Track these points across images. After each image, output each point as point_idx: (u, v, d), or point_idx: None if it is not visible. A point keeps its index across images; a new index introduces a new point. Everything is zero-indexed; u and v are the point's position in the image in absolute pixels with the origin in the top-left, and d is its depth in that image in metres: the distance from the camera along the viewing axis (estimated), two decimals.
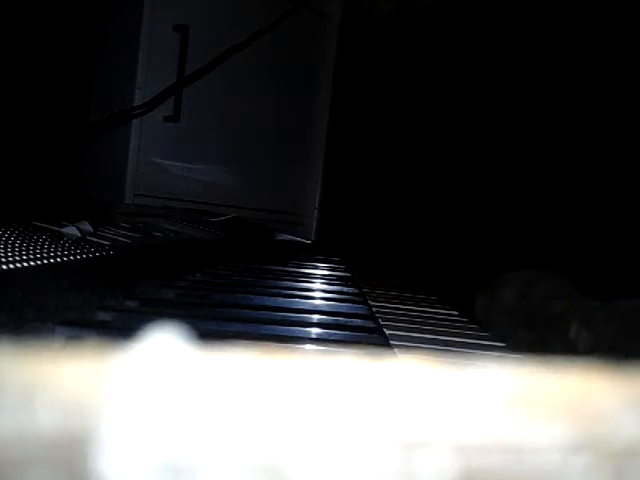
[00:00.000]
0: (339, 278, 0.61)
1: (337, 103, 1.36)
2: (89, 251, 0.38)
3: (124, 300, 0.39)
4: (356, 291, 0.52)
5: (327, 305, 0.45)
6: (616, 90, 1.09)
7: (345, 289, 0.53)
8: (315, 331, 0.36)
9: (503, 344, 0.39)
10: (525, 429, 0.09)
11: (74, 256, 0.35)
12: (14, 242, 0.33)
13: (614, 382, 0.10)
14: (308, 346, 0.31)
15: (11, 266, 0.28)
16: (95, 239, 0.43)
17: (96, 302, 0.35)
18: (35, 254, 0.32)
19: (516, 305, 0.85)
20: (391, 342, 0.34)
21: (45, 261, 0.32)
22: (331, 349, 0.31)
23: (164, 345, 0.09)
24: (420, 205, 1.50)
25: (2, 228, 0.36)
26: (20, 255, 0.31)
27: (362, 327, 0.38)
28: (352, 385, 0.09)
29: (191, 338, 0.10)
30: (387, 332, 0.36)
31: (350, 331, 0.36)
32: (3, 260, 0.29)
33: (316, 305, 0.45)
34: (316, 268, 0.68)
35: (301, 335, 0.35)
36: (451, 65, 1.46)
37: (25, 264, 0.30)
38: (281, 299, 0.45)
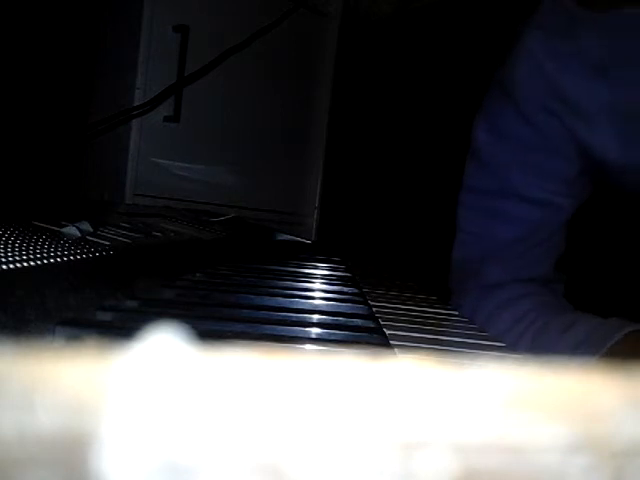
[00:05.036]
0: (339, 278, 0.61)
1: (337, 103, 1.36)
2: (89, 251, 0.38)
3: (124, 300, 0.39)
4: (356, 291, 0.52)
5: (327, 305, 0.45)
6: None
7: (345, 289, 0.53)
8: (315, 331, 0.36)
9: (503, 344, 0.39)
10: (525, 429, 0.09)
11: (74, 256, 0.35)
12: (14, 242, 0.33)
13: (614, 382, 0.10)
14: (308, 346, 0.31)
15: (11, 266, 0.28)
16: (95, 239, 0.43)
17: (96, 302, 0.35)
18: (35, 254, 0.32)
19: None
20: (391, 342, 0.34)
21: (45, 261, 0.32)
22: (331, 349, 0.31)
23: (164, 345, 0.09)
24: (421, 205, 1.50)
25: (2, 228, 0.36)
26: (20, 255, 0.31)
27: (362, 327, 0.38)
28: (352, 385, 0.09)
29: (191, 338, 0.10)
30: (387, 332, 0.36)
31: (350, 331, 0.36)
32: (3, 260, 0.29)
33: (316, 305, 0.45)
34: (316, 268, 0.68)
35: (301, 335, 0.35)
36: (452, 65, 1.46)
37: (25, 264, 0.30)
38: (281, 299, 0.45)
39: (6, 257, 0.29)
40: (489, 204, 0.87)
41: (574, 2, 0.79)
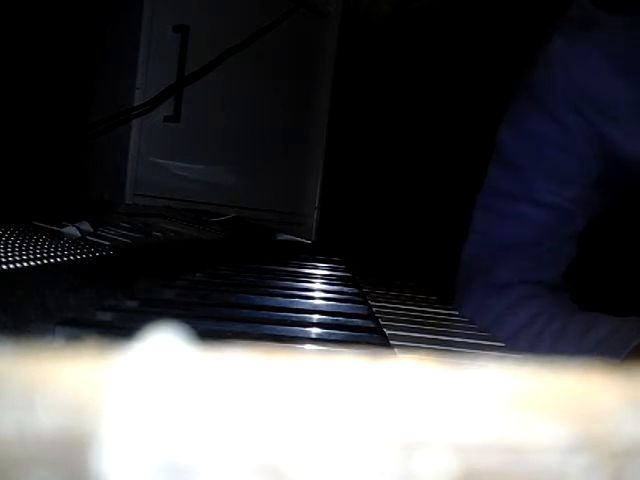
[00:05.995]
0: (339, 278, 0.61)
1: (337, 103, 1.36)
2: (89, 251, 0.38)
3: (124, 300, 0.39)
4: (356, 291, 0.52)
5: (327, 305, 0.45)
6: None
7: (345, 289, 0.53)
8: (315, 331, 0.36)
9: (503, 344, 0.39)
10: (525, 429, 0.09)
11: (74, 256, 0.35)
12: (14, 242, 0.33)
13: (614, 382, 0.10)
14: (308, 346, 0.31)
15: (11, 266, 0.28)
16: (95, 239, 0.43)
17: (96, 302, 0.35)
18: (35, 254, 0.32)
19: None
20: (391, 342, 0.34)
21: (45, 261, 0.32)
22: (331, 349, 0.31)
23: (164, 345, 0.09)
24: (421, 205, 1.50)
25: (2, 228, 0.36)
26: (20, 255, 0.31)
27: (362, 327, 0.38)
28: (352, 385, 0.09)
29: (191, 338, 0.10)
30: (387, 332, 0.36)
31: (350, 331, 0.36)
32: (3, 260, 0.29)
33: (316, 305, 0.45)
34: (316, 268, 0.68)
35: (301, 335, 0.35)
36: (452, 65, 1.46)
37: (25, 264, 0.30)
38: (281, 299, 0.45)
39: (6, 257, 0.29)
40: (505, 206, 0.88)
41: (597, 6, 0.81)
